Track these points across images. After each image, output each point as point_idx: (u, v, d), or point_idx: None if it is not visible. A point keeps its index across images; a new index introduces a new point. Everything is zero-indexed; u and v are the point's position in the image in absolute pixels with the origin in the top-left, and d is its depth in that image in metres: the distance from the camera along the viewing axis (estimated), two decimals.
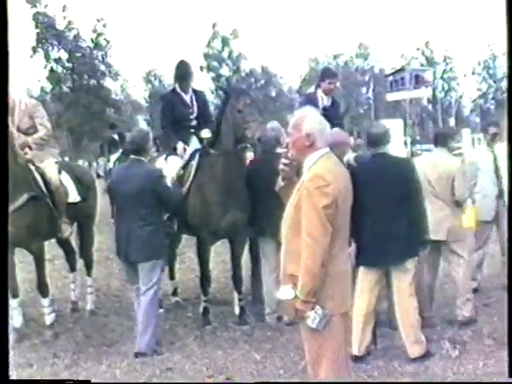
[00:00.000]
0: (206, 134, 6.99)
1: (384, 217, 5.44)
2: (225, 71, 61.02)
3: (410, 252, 5.59)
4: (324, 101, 7.41)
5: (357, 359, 5.48)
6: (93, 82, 52.25)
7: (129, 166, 6.21)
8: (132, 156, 6.12)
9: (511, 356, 3.97)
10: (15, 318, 6.60)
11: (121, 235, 6.09)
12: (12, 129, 6.65)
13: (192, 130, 7.25)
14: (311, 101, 7.00)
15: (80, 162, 46.74)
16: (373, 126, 5.94)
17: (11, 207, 6.23)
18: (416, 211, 5.54)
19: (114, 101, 54.70)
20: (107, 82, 53.71)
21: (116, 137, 16.61)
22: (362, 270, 5.60)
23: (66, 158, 46.00)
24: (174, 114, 7.16)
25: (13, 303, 6.58)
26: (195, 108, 7.28)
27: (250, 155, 7.04)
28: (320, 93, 7.50)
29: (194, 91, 7.39)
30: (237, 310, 6.86)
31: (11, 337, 6.38)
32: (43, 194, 6.65)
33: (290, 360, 5.72)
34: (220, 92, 6.82)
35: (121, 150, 15.85)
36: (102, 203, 16.91)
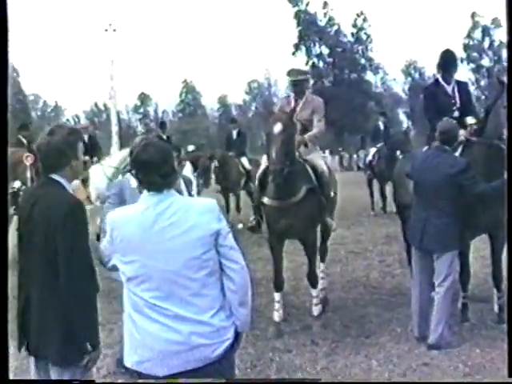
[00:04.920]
0: (470, 120, 6.81)
1: None
2: (485, 62, 58.24)
3: None
4: None
5: None
6: (353, 75, 53.26)
7: (433, 153, 6.22)
8: (437, 144, 6.15)
9: (511, 356, 3.54)
10: (276, 313, 6.82)
11: (417, 223, 6.15)
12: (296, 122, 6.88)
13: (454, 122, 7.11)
14: None
15: (341, 155, 47.91)
16: None
17: (294, 199, 6.54)
18: None
19: (375, 94, 55.12)
20: (368, 76, 54.34)
21: (381, 125, 16.73)
22: None
23: (327, 151, 47.60)
24: (436, 105, 7.06)
25: (276, 296, 6.87)
26: (457, 99, 7.12)
27: None
28: None
29: (457, 82, 7.25)
30: (496, 308, 6.63)
31: (270, 330, 6.69)
32: (316, 186, 6.81)
33: None
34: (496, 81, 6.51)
35: (382, 143, 15.96)
36: (359, 195, 17.30)
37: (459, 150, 6.56)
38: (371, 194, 16.50)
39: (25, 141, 11.12)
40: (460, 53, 57.56)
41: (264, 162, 7.03)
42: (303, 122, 7.20)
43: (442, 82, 7.17)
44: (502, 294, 6.60)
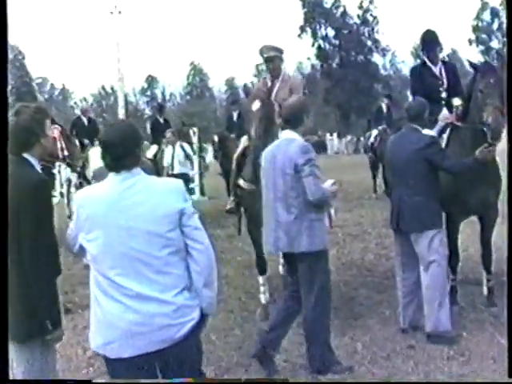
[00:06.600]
0: (456, 101, 6.80)
1: None
2: (495, 44, 57.69)
3: None
4: None
5: None
6: (360, 57, 53.01)
7: (404, 133, 6.17)
8: (408, 124, 6.08)
9: (511, 356, 3.55)
10: (262, 295, 6.79)
11: (393, 204, 6.09)
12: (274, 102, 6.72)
13: (443, 102, 7.06)
14: None
15: (348, 138, 47.83)
16: None
17: None
18: None
19: (382, 76, 54.90)
20: (375, 58, 54.11)
21: (384, 107, 16.55)
22: None
23: (335, 134, 47.52)
24: (424, 86, 7.02)
25: (261, 279, 6.86)
26: (445, 80, 7.10)
27: None
28: None
29: (444, 63, 7.24)
30: (485, 291, 6.58)
31: (257, 312, 6.68)
32: None
33: None
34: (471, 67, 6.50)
35: (384, 125, 15.81)
36: (363, 178, 17.25)
37: (447, 132, 6.54)
38: (373, 177, 16.41)
39: None
40: (469, 35, 57.25)
41: (243, 142, 6.99)
42: (281, 103, 7.08)
43: (429, 63, 7.14)
44: (491, 276, 6.57)
